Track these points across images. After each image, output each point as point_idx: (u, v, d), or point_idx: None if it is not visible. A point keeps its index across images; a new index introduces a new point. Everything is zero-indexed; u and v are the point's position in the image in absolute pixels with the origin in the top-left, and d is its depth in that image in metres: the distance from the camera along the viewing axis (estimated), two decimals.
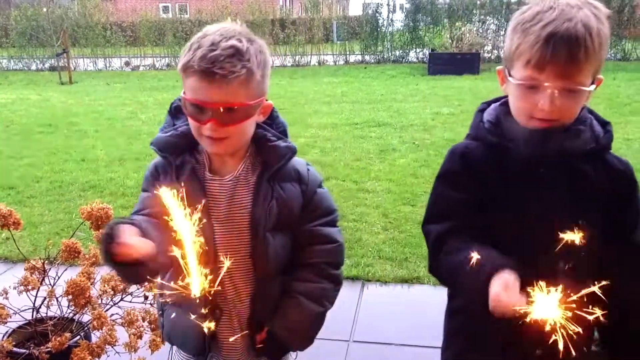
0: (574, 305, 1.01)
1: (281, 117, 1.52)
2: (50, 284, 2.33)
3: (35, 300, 2.33)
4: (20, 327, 2.39)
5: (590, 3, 1.22)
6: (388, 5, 17.57)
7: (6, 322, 2.26)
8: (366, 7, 18.16)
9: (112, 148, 7.17)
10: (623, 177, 1.34)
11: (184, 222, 1.12)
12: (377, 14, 17.46)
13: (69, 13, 19.22)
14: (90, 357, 2.12)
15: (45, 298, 2.32)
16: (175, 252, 1.13)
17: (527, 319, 1.06)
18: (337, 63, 17.35)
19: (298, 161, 1.52)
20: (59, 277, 2.36)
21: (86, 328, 2.37)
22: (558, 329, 1.02)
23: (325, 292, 1.53)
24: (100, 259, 2.29)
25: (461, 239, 1.29)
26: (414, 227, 4.28)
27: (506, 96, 1.36)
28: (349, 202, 4.99)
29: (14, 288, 2.26)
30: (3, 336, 2.34)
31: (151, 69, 17.61)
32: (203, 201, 1.42)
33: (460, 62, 13.94)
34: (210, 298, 1.44)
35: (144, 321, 2.29)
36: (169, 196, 1.12)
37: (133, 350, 2.20)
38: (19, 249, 2.82)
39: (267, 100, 1.43)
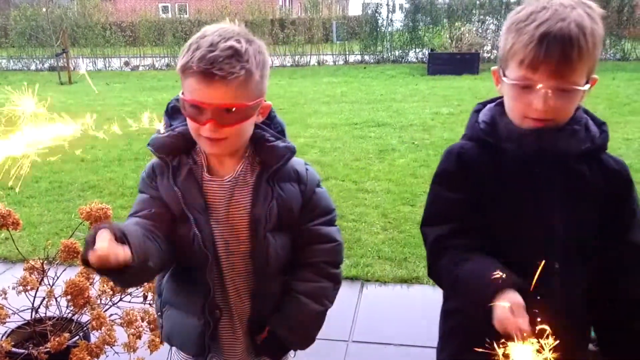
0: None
1: (279, 116, 1.52)
2: (49, 284, 2.33)
3: (34, 300, 2.33)
4: (19, 327, 2.39)
5: (584, 3, 1.22)
6: (387, 5, 17.56)
7: (5, 323, 2.26)
8: (366, 7, 18.16)
9: (111, 148, 7.16)
10: (619, 177, 1.34)
11: None
12: (376, 14, 17.45)
13: (68, 13, 19.22)
14: (89, 357, 2.12)
15: (44, 298, 2.32)
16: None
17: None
18: (336, 63, 17.35)
19: (297, 161, 1.52)
20: (58, 277, 2.36)
21: (85, 328, 2.37)
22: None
23: (325, 291, 1.54)
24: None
25: (462, 247, 1.29)
26: (414, 227, 4.28)
27: (502, 96, 1.36)
28: (349, 202, 4.99)
29: (13, 288, 2.26)
30: (2, 336, 2.34)
31: (150, 69, 17.61)
32: (202, 202, 1.42)
33: (460, 62, 13.94)
34: (211, 298, 1.45)
35: (143, 321, 2.29)
36: None
37: (132, 350, 2.20)
38: (18, 249, 2.82)
39: (265, 101, 1.42)
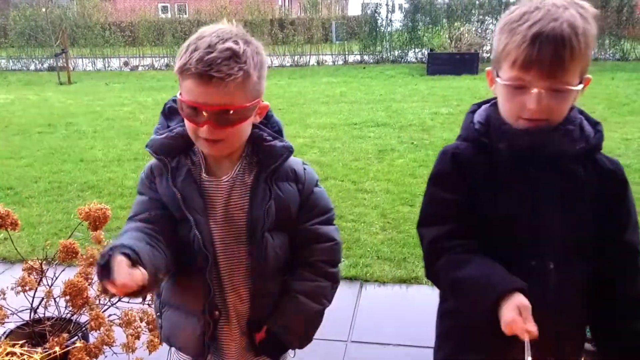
0: None
1: (275, 116, 1.52)
2: (47, 285, 2.33)
3: (32, 300, 2.33)
4: (18, 327, 2.39)
5: (577, 3, 1.23)
6: (387, 5, 17.57)
7: (4, 323, 2.26)
8: (365, 7, 18.16)
9: (110, 148, 7.17)
10: (614, 177, 1.34)
11: None
12: (376, 14, 17.46)
13: (67, 13, 19.23)
14: (87, 357, 2.12)
15: (43, 298, 2.32)
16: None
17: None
18: (336, 63, 17.35)
19: (294, 160, 1.52)
20: (56, 278, 2.36)
21: (84, 328, 2.37)
22: None
23: (324, 290, 1.54)
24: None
25: (460, 249, 1.29)
26: (413, 228, 4.25)
27: (497, 97, 1.36)
28: (348, 202, 4.99)
29: (12, 289, 2.27)
30: (1, 337, 2.34)
31: (150, 69, 17.62)
32: (201, 203, 1.43)
33: (459, 62, 13.95)
34: (211, 299, 1.45)
35: (141, 322, 2.29)
36: None
37: (131, 350, 2.20)
38: (16, 250, 2.82)
39: (263, 101, 1.43)
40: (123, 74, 16.69)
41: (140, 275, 1.16)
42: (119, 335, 2.23)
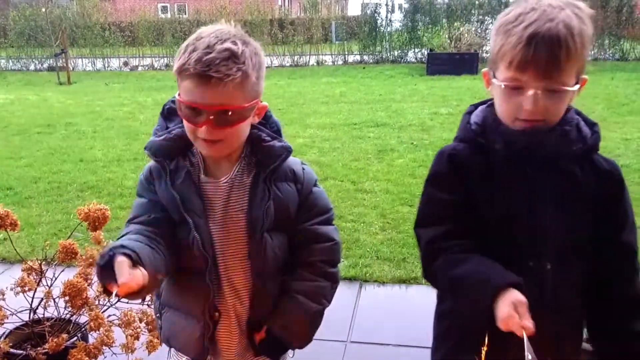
0: None
1: (274, 116, 1.52)
2: (47, 285, 2.33)
3: (32, 301, 2.33)
4: (17, 328, 2.39)
5: (573, 4, 1.23)
6: (387, 5, 17.57)
7: (3, 324, 2.26)
8: (365, 7, 18.17)
9: (110, 148, 7.17)
10: (611, 178, 1.35)
11: None
12: (375, 14, 17.47)
13: (67, 13, 19.24)
14: (87, 358, 2.12)
15: (42, 299, 2.32)
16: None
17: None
18: (335, 63, 17.36)
19: (293, 161, 1.52)
20: (56, 278, 2.36)
21: (83, 329, 2.37)
22: None
23: (323, 290, 1.54)
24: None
25: (457, 248, 1.29)
26: (412, 228, 4.27)
27: (493, 98, 1.37)
28: (347, 202, 4.99)
29: (11, 289, 2.26)
30: (0, 337, 2.34)
31: (150, 69, 17.61)
32: (200, 205, 1.43)
33: (459, 62, 13.95)
34: (211, 300, 1.45)
35: (141, 322, 2.29)
36: None
37: (130, 351, 2.20)
38: (16, 250, 2.82)
39: (261, 102, 1.43)
40: (123, 74, 16.69)
41: (140, 275, 1.16)
42: (119, 335, 2.23)
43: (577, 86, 1.25)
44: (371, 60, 17.16)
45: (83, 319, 2.37)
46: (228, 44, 1.28)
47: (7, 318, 2.26)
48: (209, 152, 1.41)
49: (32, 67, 18.08)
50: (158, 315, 1.59)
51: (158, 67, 17.59)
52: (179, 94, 1.35)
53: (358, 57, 17.47)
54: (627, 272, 1.35)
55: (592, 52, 15.66)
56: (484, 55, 15.24)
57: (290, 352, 1.61)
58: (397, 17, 17.81)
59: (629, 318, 1.34)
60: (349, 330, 3.03)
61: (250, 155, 1.47)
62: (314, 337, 1.57)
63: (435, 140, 7.06)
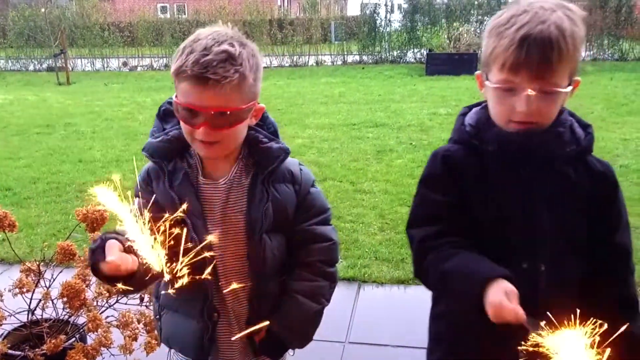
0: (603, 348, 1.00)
1: (271, 117, 1.52)
2: (45, 286, 2.33)
3: (30, 302, 2.33)
4: (15, 329, 2.39)
5: (564, 5, 1.23)
6: (386, 5, 17.57)
7: (1, 325, 2.26)
8: (364, 7, 18.18)
9: (109, 149, 7.16)
10: (604, 179, 1.35)
11: (126, 214, 1.12)
12: (375, 15, 17.47)
13: (66, 13, 19.24)
14: (85, 359, 2.12)
15: (40, 300, 2.32)
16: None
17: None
18: (334, 63, 17.35)
19: (291, 161, 1.53)
20: (54, 279, 2.36)
21: (81, 330, 2.37)
22: None
23: (322, 290, 1.55)
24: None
25: (448, 245, 1.30)
26: None
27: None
28: (346, 203, 4.99)
29: (9, 290, 2.26)
30: None
31: (149, 69, 17.60)
32: (199, 206, 1.43)
33: (458, 63, 13.95)
34: (209, 302, 1.45)
35: (139, 323, 2.29)
36: (105, 194, 1.13)
37: (128, 352, 2.20)
38: (14, 252, 2.81)
39: (259, 103, 1.43)
40: (122, 74, 16.68)
41: (130, 260, 1.15)
42: (117, 336, 2.23)
43: (570, 88, 1.26)
44: (370, 61, 17.16)
45: (81, 320, 2.38)
46: (225, 46, 1.28)
47: (5, 319, 2.26)
48: (207, 154, 1.42)
49: (31, 67, 18.06)
50: (157, 317, 1.59)
51: (157, 68, 17.57)
52: (176, 96, 1.35)
53: (357, 58, 17.46)
54: (622, 272, 1.36)
55: (591, 52, 15.68)
56: None
57: (290, 351, 1.62)
58: (397, 18, 17.82)
59: (623, 319, 1.34)
60: (347, 330, 3.03)
61: (248, 156, 1.48)
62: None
63: (434, 140, 7.06)
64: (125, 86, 13.79)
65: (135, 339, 2.25)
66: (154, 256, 1.13)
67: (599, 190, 1.33)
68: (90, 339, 2.28)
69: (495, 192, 1.32)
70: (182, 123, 1.37)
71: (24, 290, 2.26)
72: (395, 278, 3.59)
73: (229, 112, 1.32)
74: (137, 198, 1.48)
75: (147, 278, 1.22)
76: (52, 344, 2.15)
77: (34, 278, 2.31)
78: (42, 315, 2.38)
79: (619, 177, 1.41)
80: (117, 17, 22.33)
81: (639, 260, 3.59)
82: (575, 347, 0.96)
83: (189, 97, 1.30)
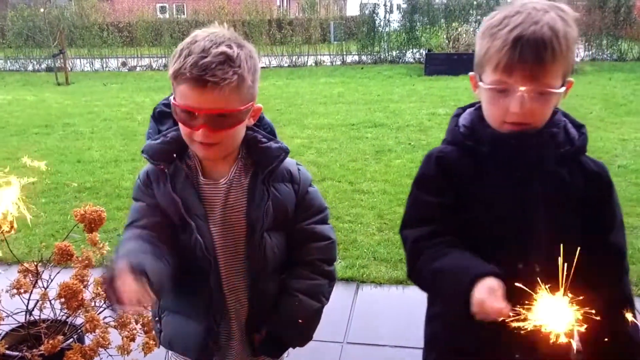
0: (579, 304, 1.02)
1: (267, 117, 1.53)
2: (43, 287, 2.33)
3: (28, 303, 2.33)
4: (13, 329, 2.39)
5: (557, 6, 1.24)
6: (385, 5, 17.58)
7: None
8: (363, 7, 18.17)
9: (108, 149, 7.16)
10: (599, 179, 1.35)
11: None
12: (374, 15, 17.47)
13: (65, 13, 19.20)
14: (83, 359, 2.12)
15: (38, 301, 2.32)
16: None
17: (533, 327, 1.06)
18: (334, 63, 17.35)
19: (289, 161, 1.54)
20: (52, 280, 2.36)
21: (79, 331, 2.37)
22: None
23: (322, 288, 1.56)
24: (94, 263, 2.30)
25: (441, 245, 1.30)
26: None
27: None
28: (345, 203, 4.99)
29: (7, 291, 2.26)
30: None
31: (148, 69, 17.58)
32: (201, 207, 1.43)
33: (457, 63, 13.92)
34: (211, 303, 1.46)
35: (137, 324, 2.29)
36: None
37: (126, 352, 2.20)
38: (12, 252, 2.81)
39: (256, 104, 1.43)
40: (121, 74, 16.66)
41: (148, 297, 1.18)
42: (115, 337, 2.23)
43: (564, 88, 1.26)
44: (369, 61, 17.17)
45: (79, 320, 2.37)
46: (223, 48, 1.29)
47: (3, 320, 2.26)
48: (206, 155, 1.42)
49: (30, 67, 18.03)
50: (157, 319, 1.59)
51: (156, 68, 17.55)
52: (174, 98, 1.36)
53: (356, 58, 17.47)
54: (617, 272, 1.36)
55: (590, 52, 15.70)
56: None
57: (290, 350, 1.62)
58: (396, 18, 17.83)
59: (618, 319, 1.34)
60: (345, 331, 3.03)
61: (247, 156, 1.48)
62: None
63: (433, 140, 7.06)
64: (124, 86, 13.78)
65: (133, 340, 2.25)
66: None
67: (593, 190, 1.33)
68: (88, 339, 2.28)
69: (490, 193, 1.32)
70: (180, 125, 1.37)
71: (22, 290, 2.26)
72: (394, 278, 3.59)
73: (227, 114, 1.32)
74: (137, 202, 1.48)
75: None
76: (49, 345, 2.14)
77: (31, 279, 2.31)
78: (39, 316, 2.38)
79: (618, 177, 1.41)
80: (116, 17, 22.31)
81: (638, 260, 3.64)
82: (558, 311, 1.01)
83: (188, 99, 1.31)
